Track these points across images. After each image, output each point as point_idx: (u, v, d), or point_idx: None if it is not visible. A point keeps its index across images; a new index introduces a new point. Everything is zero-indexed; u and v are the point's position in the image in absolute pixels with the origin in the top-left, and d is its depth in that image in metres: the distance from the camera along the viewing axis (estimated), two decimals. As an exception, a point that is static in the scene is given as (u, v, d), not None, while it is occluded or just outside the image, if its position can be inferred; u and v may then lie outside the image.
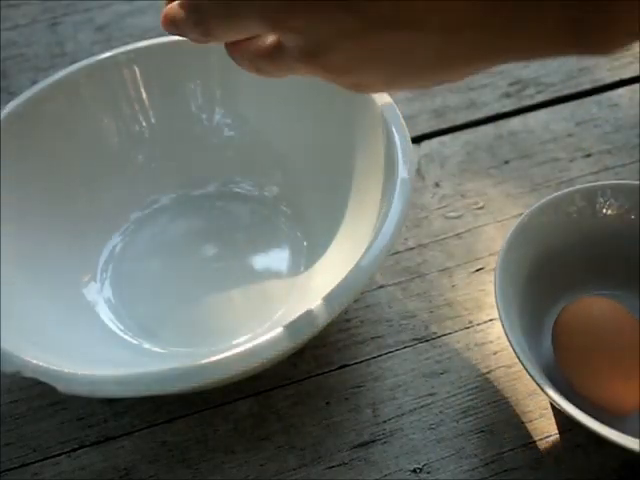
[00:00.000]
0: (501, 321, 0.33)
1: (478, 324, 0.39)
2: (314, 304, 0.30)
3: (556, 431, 0.35)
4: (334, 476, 0.34)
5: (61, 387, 0.30)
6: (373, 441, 0.35)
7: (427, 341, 0.39)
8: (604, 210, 0.37)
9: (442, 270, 0.42)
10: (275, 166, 0.45)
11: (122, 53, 0.43)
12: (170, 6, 0.27)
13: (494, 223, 0.44)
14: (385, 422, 0.36)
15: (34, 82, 0.50)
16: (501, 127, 0.49)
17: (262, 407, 0.37)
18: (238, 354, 0.29)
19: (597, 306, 0.34)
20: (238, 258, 0.43)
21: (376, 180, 0.37)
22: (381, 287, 0.41)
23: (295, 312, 0.31)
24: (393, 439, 0.35)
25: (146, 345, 0.39)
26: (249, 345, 0.30)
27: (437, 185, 0.46)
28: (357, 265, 0.31)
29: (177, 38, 0.32)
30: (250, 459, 0.35)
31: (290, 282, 0.41)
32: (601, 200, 0.37)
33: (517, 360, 0.32)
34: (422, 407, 0.36)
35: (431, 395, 0.37)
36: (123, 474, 0.35)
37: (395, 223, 0.33)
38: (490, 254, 0.42)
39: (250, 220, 0.44)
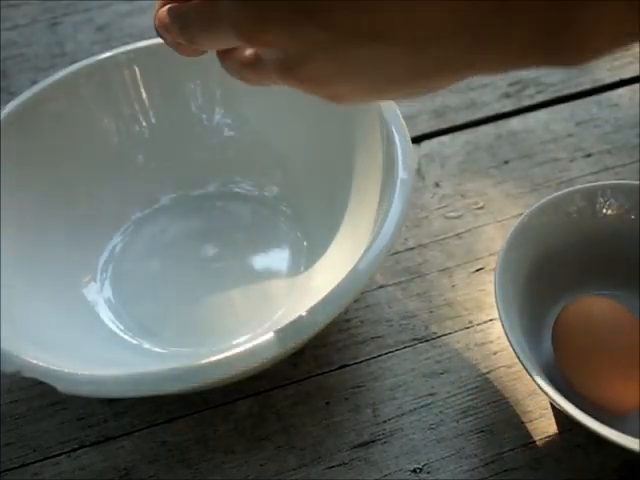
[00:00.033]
0: (501, 321, 0.33)
1: (478, 324, 0.39)
2: (314, 304, 0.30)
3: (556, 431, 0.35)
4: (334, 476, 0.34)
5: (61, 387, 0.30)
6: (373, 441, 0.35)
7: (427, 341, 0.39)
8: (604, 210, 0.37)
9: (442, 270, 0.42)
10: (275, 166, 0.45)
11: (122, 53, 0.43)
12: (161, 10, 0.27)
13: (494, 223, 0.44)
14: (385, 422, 0.36)
15: (34, 82, 0.50)
16: (501, 127, 0.49)
17: (262, 407, 0.37)
18: (238, 354, 0.29)
19: (597, 306, 0.34)
20: (238, 258, 0.43)
21: (376, 180, 0.37)
22: (381, 287, 0.41)
23: (295, 312, 0.31)
24: (393, 439, 0.35)
25: (146, 345, 0.39)
26: (249, 345, 0.30)
27: (437, 185, 0.46)
28: (357, 265, 0.31)
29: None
30: (250, 459, 0.35)
31: (290, 282, 0.41)
32: (601, 200, 0.37)
33: (517, 360, 0.32)
34: (422, 407, 0.36)
35: (431, 395, 0.37)
36: (123, 474, 0.35)
37: (395, 223, 0.33)
38: (490, 254, 0.42)
39: (250, 220, 0.44)
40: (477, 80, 0.51)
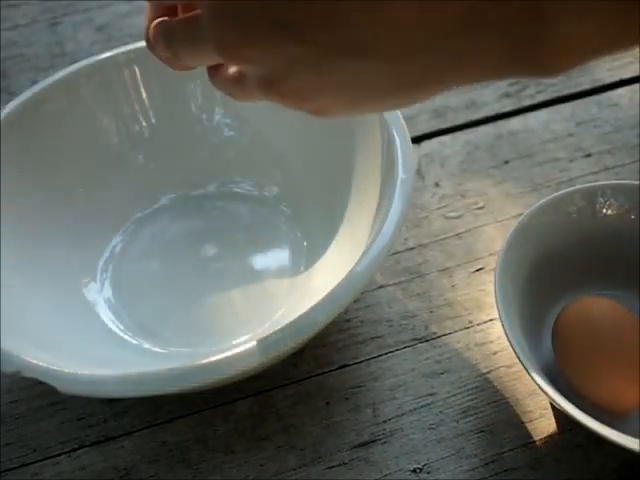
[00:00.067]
0: (501, 321, 0.33)
1: (478, 324, 0.39)
2: (314, 304, 0.30)
3: (556, 431, 0.35)
4: (334, 476, 0.34)
5: (61, 387, 0.30)
6: (373, 441, 0.35)
7: (427, 341, 0.39)
8: (604, 210, 0.37)
9: (442, 270, 0.42)
10: (275, 166, 0.45)
11: (122, 53, 0.43)
12: (152, 25, 0.28)
13: (494, 223, 0.44)
14: (385, 422, 0.36)
15: (34, 82, 0.50)
16: (501, 127, 0.49)
17: (262, 407, 0.37)
18: (238, 354, 0.29)
19: (597, 306, 0.34)
20: (238, 258, 0.43)
21: (376, 180, 0.37)
22: (381, 287, 0.41)
23: (295, 312, 0.31)
24: (393, 439, 0.35)
25: (146, 345, 0.39)
26: (249, 345, 0.30)
27: (437, 185, 0.46)
28: (357, 265, 0.31)
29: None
30: (250, 459, 0.35)
31: (290, 282, 0.41)
32: (601, 200, 0.37)
33: (517, 360, 0.32)
34: (422, 407, 0.36)
35: (431, 395, 0.37)
36: (123, 474, 0.35)
37: (395, 223, 0.33)
38: (490, 254, 0.42)
39: (250, 220, 0.44)
40: (477, 80, 0.51)
